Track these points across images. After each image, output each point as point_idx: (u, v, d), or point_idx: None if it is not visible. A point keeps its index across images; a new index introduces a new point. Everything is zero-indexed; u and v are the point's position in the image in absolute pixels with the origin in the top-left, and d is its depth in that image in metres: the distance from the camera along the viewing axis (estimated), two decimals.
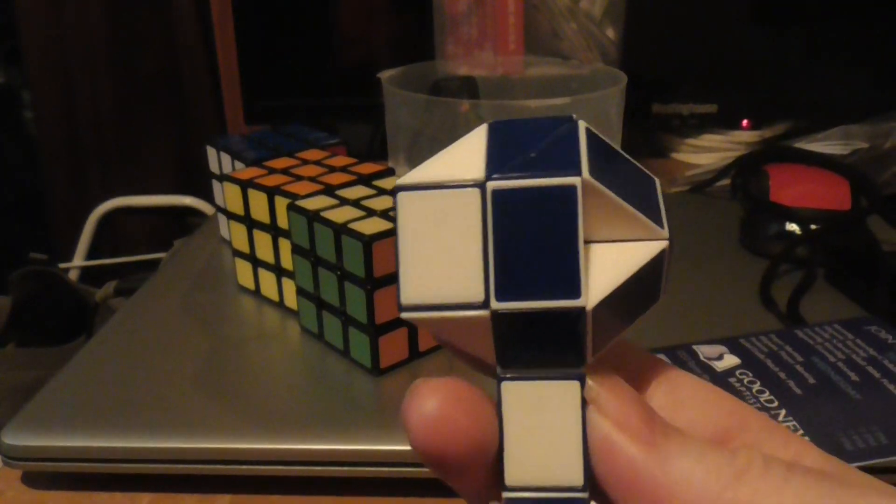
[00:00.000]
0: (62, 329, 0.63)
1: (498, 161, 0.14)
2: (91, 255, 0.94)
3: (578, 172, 0.13)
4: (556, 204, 0.13)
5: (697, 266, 0.46)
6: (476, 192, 0.13)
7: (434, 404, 0.14)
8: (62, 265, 0.89)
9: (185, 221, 0.92)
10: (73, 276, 0.89)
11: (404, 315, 0.14)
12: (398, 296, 0.14)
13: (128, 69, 0.95)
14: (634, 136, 0.76)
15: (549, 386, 0.14)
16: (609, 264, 0.14)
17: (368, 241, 0.32)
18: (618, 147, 0.15)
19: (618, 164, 0.15)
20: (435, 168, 0.14)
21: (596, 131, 0.15)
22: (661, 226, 0.15)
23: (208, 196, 0.51)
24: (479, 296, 0.13)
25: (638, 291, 0.15)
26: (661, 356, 0.35)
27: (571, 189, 0.13)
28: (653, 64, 0.73)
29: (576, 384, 0.14)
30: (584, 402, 0.14)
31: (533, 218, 0.13)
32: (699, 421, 0.16)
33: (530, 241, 0.13)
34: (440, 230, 0.14)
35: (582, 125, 0.14)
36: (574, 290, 0.13)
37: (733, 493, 0.14)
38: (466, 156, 0.14)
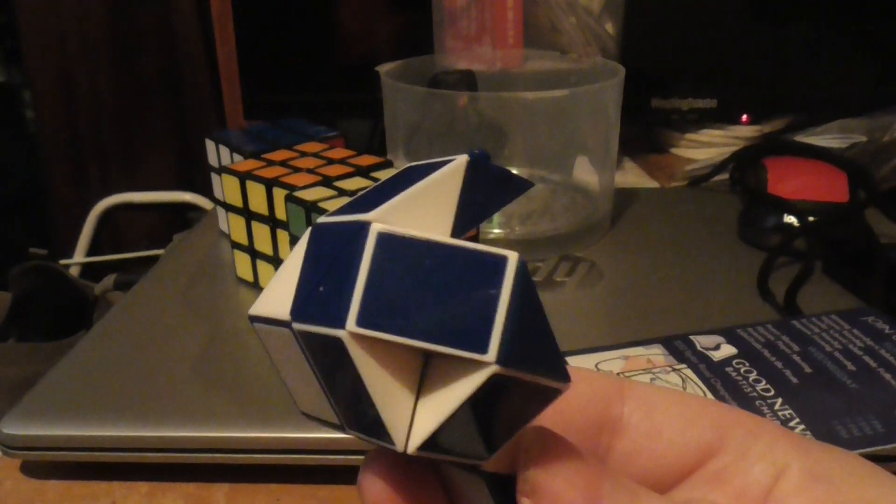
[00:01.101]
0: (62, 323, 0.63)
1: (301, 294, 0.13)
2: (91, 251, 0.94)
3: (342, 324, 0.12)
4: (337, 352, 0.12)
5: (696, 258, 0.46)
6: (289, 331, 0.13)
7: (381, 486, 0.14)
8: (63, 262, 0.89)
9: (185, 217, 0.92)
10: (73, 272, 0.89)
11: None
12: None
13: (127, 66, 0.95)
14: (634, 131, 0.76)
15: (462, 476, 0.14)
16: (433, 401, 0.13)
17: None
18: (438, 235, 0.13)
19: (427, 275, 0.12)
20: (271, 293, 0.14)
21: (402, 233, 0.12)
22: (485, 349, 0.12)
23: (208, 192, 0.51)
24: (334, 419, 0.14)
25: (490, 410, 0.13)
26: (660, 347, 0.35)
27: (338, 342, 0.12)
28: (652, 58, 0.73)
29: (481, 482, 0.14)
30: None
31: (330, 359, 0.13)
32: (678, 442, 0.16)
33: (341, 380, 0.13)
34: (287, 350, 0.14)
35: (372, 235, 0.12)
36: (387, 437, 0.13)
37: None
38: (289, 281, 0.14)
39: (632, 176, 0.68)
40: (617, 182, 0.52)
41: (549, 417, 0.14)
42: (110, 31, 0.93)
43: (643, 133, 0.78)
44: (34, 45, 0.94)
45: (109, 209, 0.96)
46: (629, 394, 0.17)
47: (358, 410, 0.13)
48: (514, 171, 0.58)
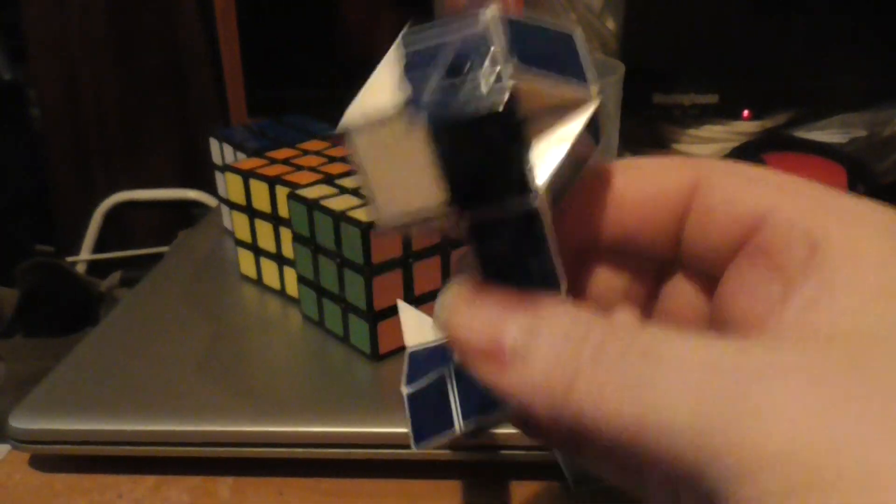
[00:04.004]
0: (69, 320, 0.63)
1: (419, 84, 0.14)
2: (97, 249, 0.95)
3: (500, 100, 0.13)
4: (493, 127, 0.14)
5: None
6: (413, 120, 0.14)
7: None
8: (69, 259, 0.89)
9: (189, 214, 0.93)
10: (79, 269, 0.90)
11: (380, 230, 0.15)
12: (374, 215, 0.15)
13: (131, 64, 0.95)
14: (635, 127, 0.76)
15: None
16: (544, 148, 0.15)
17: (366, 228, 0.33)
18: (534, 20, 0.16)
19: (536, 39, 0.15)
20: (370, 98, 0.15)
21: (507, 16, 0.15)
22: (587, 86, 0.16)
23: (212, 189, 0.51)
24: (440, 205, 0.14)
25: (578, 155, 0.16)
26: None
27: (496, 116, 0.13)
28: (653, 54, 0.73)
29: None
30: None
31: (470, 139, 0.14)
32: (659, 195, 0.17)
33: (473, 158, 0.14)
34: (392, 154, 0.14)
35: (493, 17, 0.14)
36: (524, 190, 0.14)
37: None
38: (391, 80, 0.14)
39: None
40: None
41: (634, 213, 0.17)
42: (114, 30, 0.94)
43: (645, 129, 0.78)
44: (39, 43, 0.94)
45: (115, 207, 0.96)
46: (606, 170, 0.18)
47: (489, 180, 0.14)
48: None
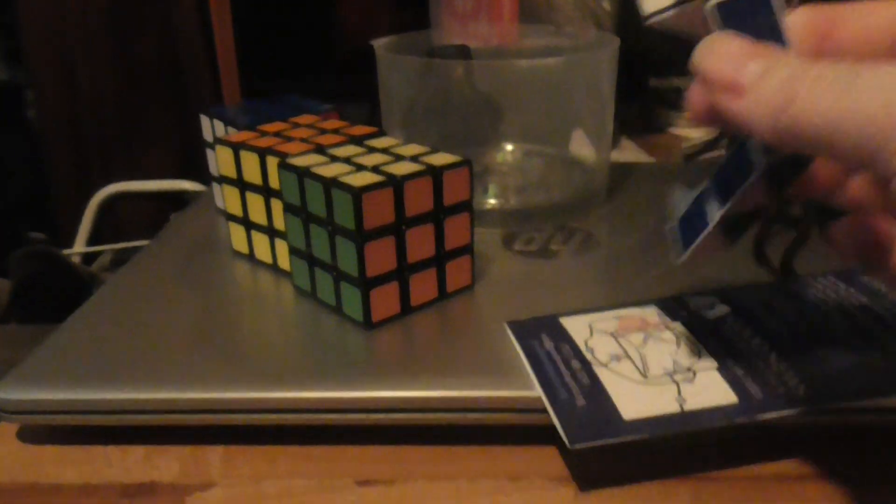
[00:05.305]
0: (62, 306, 0.63)
1: None
2: (92, 240, 0.95)
3: None
4: None
5: None
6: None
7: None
8: (64, 251, 0.89)
9: (184, 205, 0.92)
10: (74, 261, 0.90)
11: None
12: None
13: (128, 55, 0.95)
14: (630, 110, 0.75)
15: None
16: None
17: (358, 193, 0.32)
18: None
19: None
20: None
21: None
22: None
23: (207, 180, 0.51)
24: None
25: None
26: (654, 307, 0.35)
27: None
28: (649, 37, 0.73)
29: None
30: None
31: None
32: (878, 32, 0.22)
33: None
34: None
35: None
36: None
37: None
38: None
39: (630, 155, 0.68)
40: (614, 160, 0.52)
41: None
42: (110, 21, 0.93)
43: (641, 113, 0.77)
44: (35, 34, 0.94)
45: (110, 199, 0.96)
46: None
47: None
48: (509, 148, 0.57)
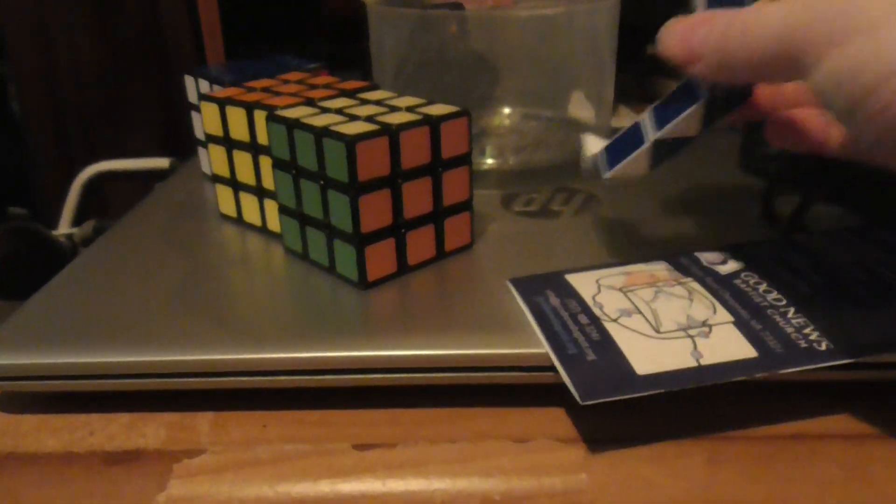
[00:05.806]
0: (45, 281, 0.61)
1: None
2: (77, 221, 0.93)
3: None
4: None
5: (697, 188, 0.44)
6: None
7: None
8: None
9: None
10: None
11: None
12: None
13: (108, 31, 0.93)
14: (628, 79, 0.74)
15: None
16: None
17: (351, 142, 0.30)
18: None
19: None
20: None
21: None
22: None
23: (192, 157, 0.49)
24: None
25: None
26: (663, 263, 0.34)
27: None
28: (647, 5, 0.71)
29: None
30: None
31: None
32: None
33: None
34: None
35: None
36: None
37: None
38: None
39: (628, 122, 0.66)
40: (613, 126, 0.50)
41: None
42: None
43: (637, 81, 0.76)
44: (13, 11, 0.91)
45: (94, 178, 0.94)
46: None
47: None
48: (507, 112, 0.55)
